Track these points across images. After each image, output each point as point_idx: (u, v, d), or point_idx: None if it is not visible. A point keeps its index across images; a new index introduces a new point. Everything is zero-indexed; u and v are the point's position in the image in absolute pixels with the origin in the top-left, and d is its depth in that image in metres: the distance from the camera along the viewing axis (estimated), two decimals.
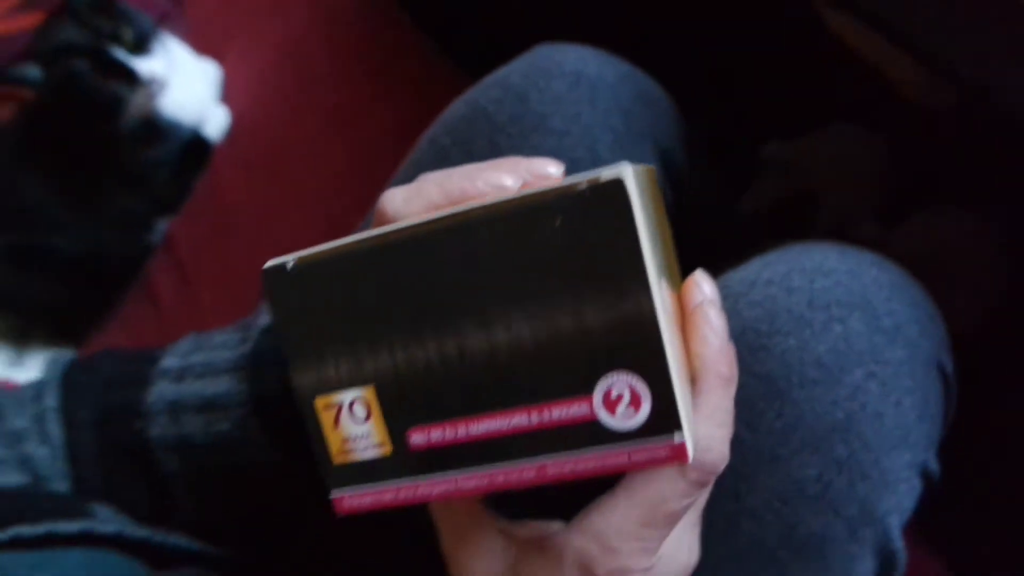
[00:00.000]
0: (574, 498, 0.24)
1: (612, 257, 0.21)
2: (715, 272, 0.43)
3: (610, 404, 0.21)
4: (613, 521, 0.22)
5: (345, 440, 0.23)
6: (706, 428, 0.23)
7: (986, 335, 0.57)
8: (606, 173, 0.20)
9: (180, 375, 0.38)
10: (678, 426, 0.21)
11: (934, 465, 0.34)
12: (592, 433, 0.22)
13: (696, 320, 0.23)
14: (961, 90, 0.57)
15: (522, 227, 0.21)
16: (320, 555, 0.41)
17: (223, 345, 0.39)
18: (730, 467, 0.31)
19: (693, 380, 0.23)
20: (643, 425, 0.21)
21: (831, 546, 0.32)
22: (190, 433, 0.37)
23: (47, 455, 0.36)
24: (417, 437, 0.23)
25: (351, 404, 0.23)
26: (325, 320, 0.23)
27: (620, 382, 0.21)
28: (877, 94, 0.74)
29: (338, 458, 0.24)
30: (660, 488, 0.22)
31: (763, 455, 0.31)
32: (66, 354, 0.42)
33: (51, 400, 0.38)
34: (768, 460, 0.31)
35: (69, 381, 0.38)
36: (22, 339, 0.84)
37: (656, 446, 0.21)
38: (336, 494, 0.24)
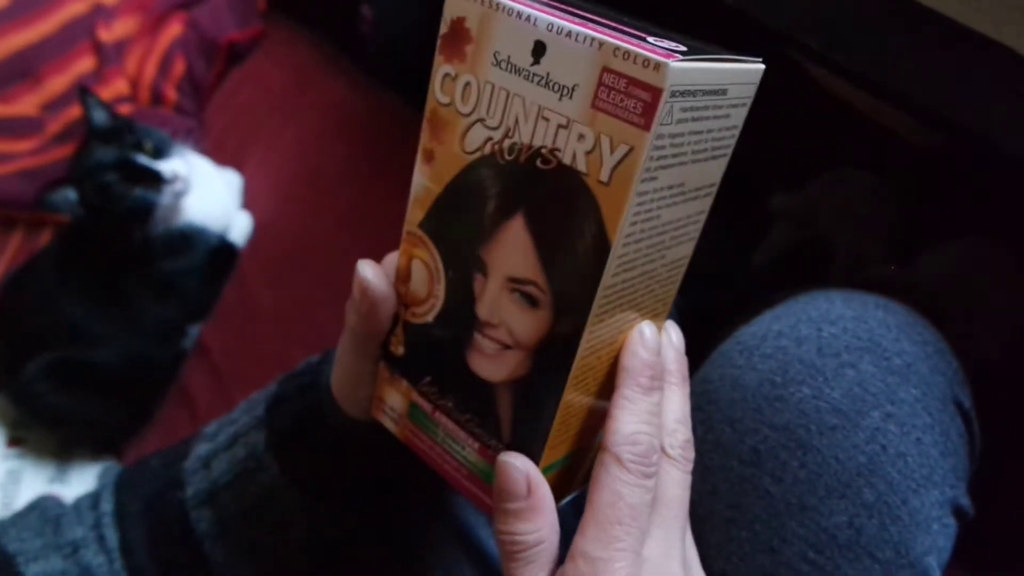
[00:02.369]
0: None
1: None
2: (731, 328, 0.44)
3: None
4: (588, 534, 0.24)
5: None
6: (631, 425, 0.25)
7: (1012, 365, 0.57)
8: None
9: (216, 432, 0.40)
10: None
11: (966, 501, 0.34)
12: None
13: (630, 338, 0.26)
14: (948, 133, 0.59)
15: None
16: None
17: (258, 396, 0.41)
18: (760, 520, 0.32)
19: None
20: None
21: None
22: (216, 477, 0.38)
23: (104, 563, 0.37)
24: None
25: None
26: None
27: None
28: (874, 138, 0.76)
29: None
30: (610, 488, 0.25)
31: (792, 505, 0.32)
32: (116, 466, 0.44)
33: (107, 505, 0.39)
34: (797, 510, 0.32)
35: (122, 483, 0.40)
36: (65, 454, 0.86)
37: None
38: None
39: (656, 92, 0.22)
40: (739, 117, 0.26)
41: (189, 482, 0.39)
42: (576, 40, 0.23)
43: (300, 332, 0.77)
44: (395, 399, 0.31)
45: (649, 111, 0.22)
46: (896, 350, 0.33)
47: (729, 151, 0.27)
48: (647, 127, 0.22)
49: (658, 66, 0.22)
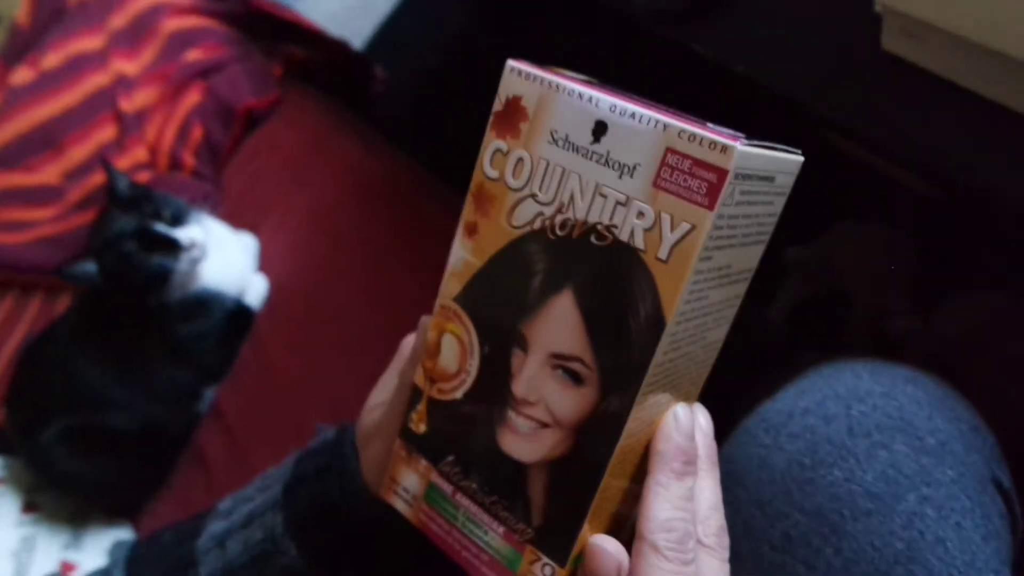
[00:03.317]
0: None
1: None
2: (751, 391, 0.44)
3: None
4: None
5: None
6: (666, 512, 0.25)
7: None
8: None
9: (230, 510, 0.39)
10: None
11: None
12: None
13: (665, 421, 0.26)
14: (953, 191, 0.59)
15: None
16: None
17: (274, 475, 0.40)
18: None
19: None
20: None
21: None
22: (232, 558, 0.38)
23: None
24: None
25: None
26: None
27: None
28: (885, 190, 0.75)
29: None
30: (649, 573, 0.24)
31: None
32: (130, 536, 0.44)
33: None
34: None
35: (133, 560, 0.40)
36: (79, 520, 0.85)
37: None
38: None
39: (722, 173, 0.23)
40: (779, 205, 0.27)
41: (203, 562, 0.38)
42: (639, 121, 0.24)
43: (315, 394, 0.77)
44: (411, 480, 0.31)
45: (714, 191, 0.23)
46: (929, 429, 0.32)
47: (768, 238, 0.27)
48: (711, 207, 0.23)
49: (725, 148, 0.23)
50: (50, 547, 0.81)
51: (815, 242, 0.79)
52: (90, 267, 0.74)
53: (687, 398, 0.28)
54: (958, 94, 0.41)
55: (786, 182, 0.27)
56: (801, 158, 0.27)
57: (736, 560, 0.32)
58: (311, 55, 1.00)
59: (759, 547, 0.32)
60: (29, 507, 0.84)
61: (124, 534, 0.84)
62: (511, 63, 0.27)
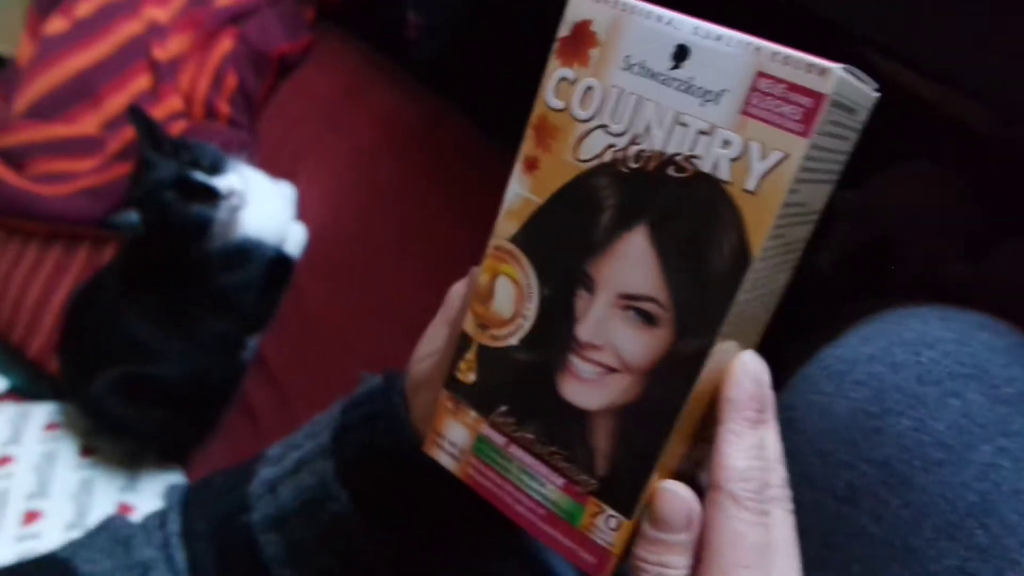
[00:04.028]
0: None
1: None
2: (808, 340, 0.42)
3: None
4: None
5: None
6: (743, 461, 0.24)
7: None
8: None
9: (280, 456, 0.39)
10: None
11: None
12: None
13: (734, 367, 0.25)
14: (1016, 123, 0.56)
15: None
16: None
17: (322, 421, 0.40)
18: (859, 561, 0.30)
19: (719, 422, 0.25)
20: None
21: None
22: (284, 503, 0.38)
23: None
24: None
25: None
26: None
27: None
28: (942, 130, 0.72)
29: None
30: (730, 529, 0.23)
31: (894, 548, 0.29)
32: (182, 481, 0.44)
33: (174, 525, 0.39)
34: (902, 552, 0.29)
35: (188, 502, 0.40)
36: (134, 464, 0.88)
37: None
38: None
39: (819, 98, 0.21)
40: (853, 142, 0.25)
41: (256, 506, 0.38)
42: (727, 44, 0.23)
43: (355, 342, 0.77)
44: (458, 432, 0.30)
45: (809, 117, 0.21)
46: (1006, 377, 0.31)
47: (837, 177, 0.25)
48: (806, 133, 0.21)
49: (824, 71, 0.21)
50: (108, 489, 0.85)
51: (866, 186, 0.76)
52: (134, 217, 0.75)
53: (750, 346, 0.26)
54: (1020, 15, 0.38)
55: (862, 117, 0.25)
56: (877, 93, 0.25)
57: (796, 511, 0.32)
58: None
59: (822, 498, 0.31)
60: (87, 451, 0.88)
61: (177, 478, 0.87)
62: None
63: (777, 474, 0.25)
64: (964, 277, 0.69)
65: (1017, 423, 0.30)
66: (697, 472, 0.27)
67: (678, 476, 0.27)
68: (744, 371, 0.24)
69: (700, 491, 0.25)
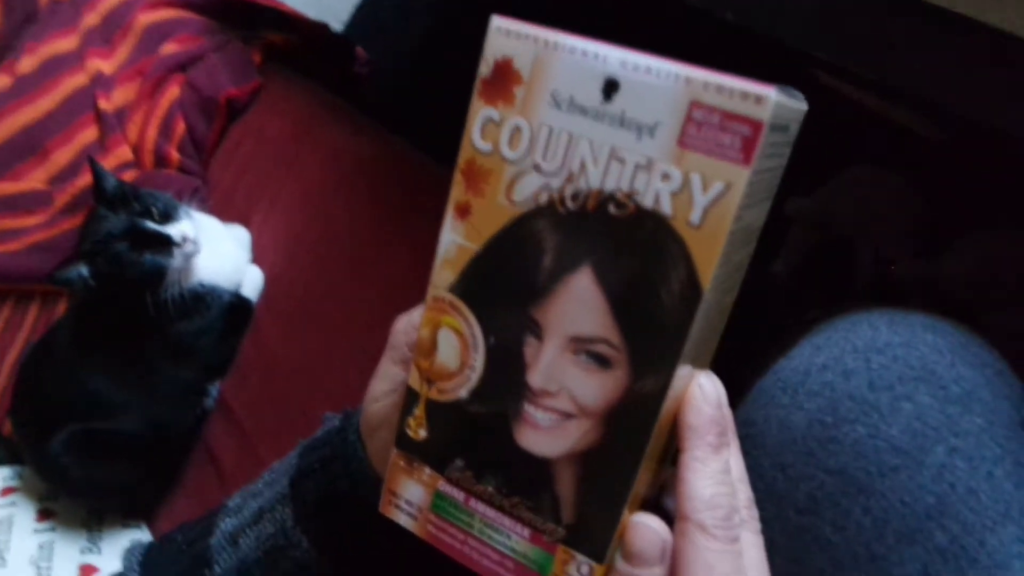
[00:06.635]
0: None
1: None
2: (764, 348, 0.42)
3: None
4: None
5: None
6: (708, 488, 0.24)
7: None
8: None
9: (240, 506, 0.39)
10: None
11: None
12: None
13: (691, 393, 0.24)
14: (956, 126, 0.57)
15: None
16: None
17: (280, 468, 0.39)
18: (825, 572, 0.30)
19: (678, 450, 0.24)
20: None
21: None
22: (245, 555, 0.37)
23: None
24: None
25: None
26: None
27: None
28: (885, 134, 0.74)
29: None
30: (700, 561, 0.23)
31: (858, 556, 0.29)
32: (146, 537, 0.43)
33: None
34: (866, 560, 0.29)
35: (148, 563, 0.39)
36: (95, 523, 0.85)
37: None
38: None
39: (758, 126, 0.21)
40: (787, 156, 0.25)
41: (217, 560, 0.38)
42: (657, 76, 0.22)
43: (318, 381, 0.76)
44: (414, 491, 0.28)
45: (750, 146, 0.21)
46: (953, 377, 0.31)
47: (775, 192, 0.25)
48: (747, 162, 0.21)
49: (760, 99, 0.21)
50: (68, 552, 0.81)
51: (815, 192, 0.78)
52: (83, 270, 0.73)
53: (703, 367, 0.26)
54: (956, 23, 0.39)
55: (794, 131, 0.25)
56: (805, 105, 0.25)
57: (763, 529, 0.31)
58: (290, 39, 0.97)
59: (784, 511, 0.31)
60: (43, 514, 0.84)
61: (140, 534, 0.84)
62: (497, 21, 0.24)
63: (743, 494, 0.25)
64: (916, 273, 0.71)
65: (966, 422, 0.30)
66: (662, 496, 0.27)
67: (644, 504, 0.26)
68: (703, 396, 0.24)
69: (666, 516, 0.25)
